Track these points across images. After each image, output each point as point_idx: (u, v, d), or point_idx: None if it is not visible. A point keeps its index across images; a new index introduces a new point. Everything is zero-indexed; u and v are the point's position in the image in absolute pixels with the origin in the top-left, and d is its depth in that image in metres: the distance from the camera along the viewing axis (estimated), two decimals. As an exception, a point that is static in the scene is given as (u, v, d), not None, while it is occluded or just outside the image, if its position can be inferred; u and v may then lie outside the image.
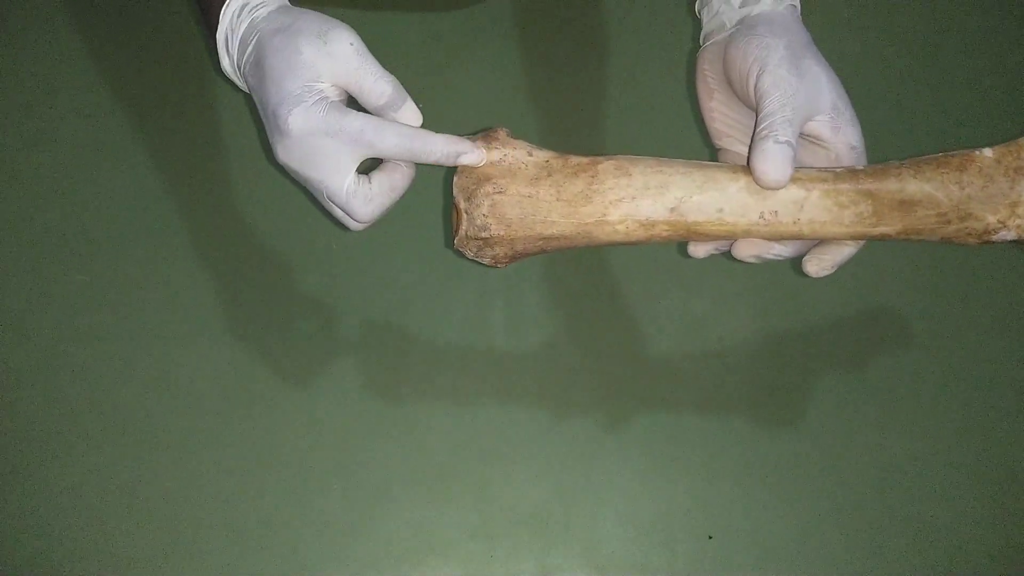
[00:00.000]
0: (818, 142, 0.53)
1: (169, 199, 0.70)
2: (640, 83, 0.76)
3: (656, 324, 0.66)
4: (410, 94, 0.53)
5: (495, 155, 0.52)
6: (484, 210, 0.51)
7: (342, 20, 0.52)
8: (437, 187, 0.70)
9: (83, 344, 0.64)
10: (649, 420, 0.63)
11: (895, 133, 0.74)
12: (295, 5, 0.54)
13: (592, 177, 0.51)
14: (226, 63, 0.55)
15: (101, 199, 0.70)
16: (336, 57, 0.50)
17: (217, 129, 0.73)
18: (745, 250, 0.53)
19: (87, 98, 0.74)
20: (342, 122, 0.49)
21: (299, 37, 0.50)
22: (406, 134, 0.50)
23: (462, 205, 0.52)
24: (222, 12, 0.53)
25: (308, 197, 0.58)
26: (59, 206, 0.69)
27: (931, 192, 0.50)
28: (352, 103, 0.52)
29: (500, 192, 0.51)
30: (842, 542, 0.59)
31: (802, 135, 0.52)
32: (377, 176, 0.53)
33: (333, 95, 0.51)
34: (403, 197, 0.54)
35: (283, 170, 0.53)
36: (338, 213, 0.54)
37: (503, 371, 0.64)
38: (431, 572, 0.58)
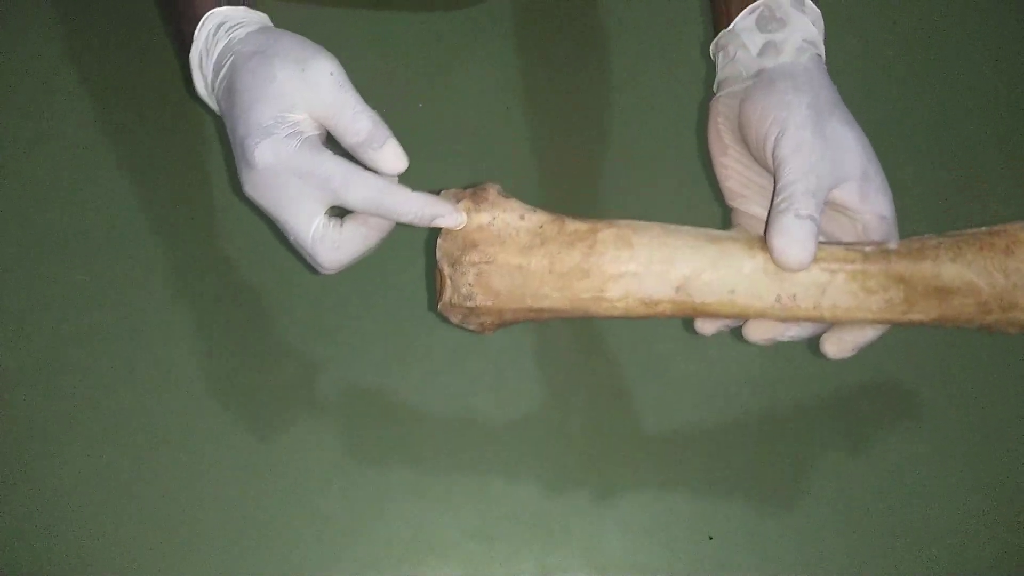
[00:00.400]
0: (844, 211, 0.47)
1: (169, 199, 0.70)
2: (641, 84, 0.76)
3: (657, 325, 0.66)
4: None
5: (484, 217, 0.47)
6: (470, 279, 0.47)
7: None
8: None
9: (83, 344, 0.64)
10: (650, 420, 0.63)
11: (896, 133, 0.74)
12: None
13: (590, 248, 0.46)
14: (200, 85, 0.51)
15: (101, 199, 0.70)
16: (313, 87, 0.46)
17: (218, 129, 0.73)
18: (758, 333, 0.48)
19: (87, 98, 0.74)
20: (312, 163, 0.46)
21: (275, 61, 0.46)
22: (377, 188, 0.46)
23: (446, 271, 0.48)
24: (197, 30, 0.50)
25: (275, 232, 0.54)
26: (59, 206, 0.69)
27: (972, 279, 0.44)
28: (331, 137, 0.49)
29: (488, 262, 0.47)
30: (842, 543, 0.59)
31: (826, 203, 0.46)
32: (349, 223, 0.48)
33: (309, 129, 0.47)
34: (381, 245, 0.51)
35: (250, 203, 0.50)
36: (306, 256, 0.49)
37: (503, 371, 0.64)
38: (431, 572, 0.58)
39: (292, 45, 0.48)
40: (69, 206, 0.69)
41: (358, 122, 0.47)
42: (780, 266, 0.44)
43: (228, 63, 0.48)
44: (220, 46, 0.49)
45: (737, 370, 0.64)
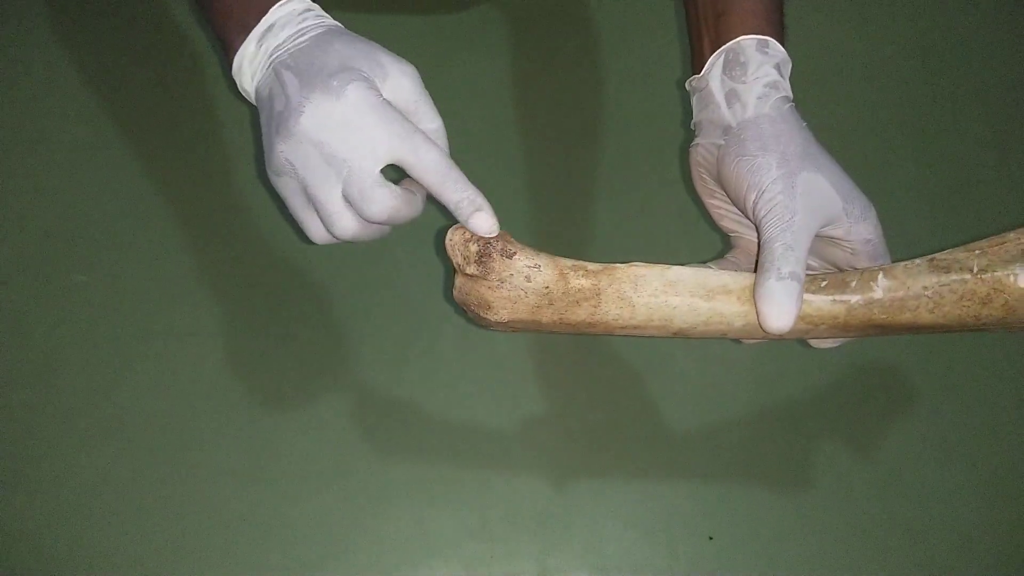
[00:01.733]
0: (833, 241, 0.51)
1: (169, 199, 0.70)
2: (639, 86, 0.76)
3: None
4: None
5: (492, 284, 0.49)
6: (488, 320, 0.50)
7: (345, 22, 0.51)
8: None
9: (83, 344, 0.64)
10: (650, 420, 0.63)
11: (896, 133, 0.74)
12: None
13: (595, 308, 0.49)
14: (251, 49, 0.50)
15: (101, 199, 0.70)
16: (414, 150, 0.48)
17: (217, 129, 0.73)
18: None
19: (87, 98, 0.74)
20: (397, 116, 0.47)
21: (380, 54, 0.49)
22: (447, 161, 0.48)
23: (467, 301, 0.50)
24: (276, 6, 0.50)
25: (280, 204, 0.53)
26: (59, 206, 0.69)
27: (945, 324, 0.48)
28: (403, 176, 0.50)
29: (503, 321, 0.50)
30: (843, 543, 0.59)
31: (817, 237, 0.50)
32: (400, 186, 0.50)
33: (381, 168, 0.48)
34: (399, 228, 0.52)
35: (272, 164, 0.49)
36: (332, 210, 0.49)
37: (503, 370, 0.64)
38: (431, 572, 0.58)
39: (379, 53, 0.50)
40: (69, 206, 0.69)
41: (458, 192, 0.48)
42: (766, 330, 0.47)
43: (311, 34, 0.49)
44: (310, 22, 0.50)
45: (738, 370, 0.64)
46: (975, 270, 0.47)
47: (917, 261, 0.48)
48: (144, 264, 0.67)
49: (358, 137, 0.47)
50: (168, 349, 0.64)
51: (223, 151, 0.72)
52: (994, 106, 0.76)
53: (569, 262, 0.49)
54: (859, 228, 0.50)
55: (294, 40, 0.50)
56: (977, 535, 0.59)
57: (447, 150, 0.51)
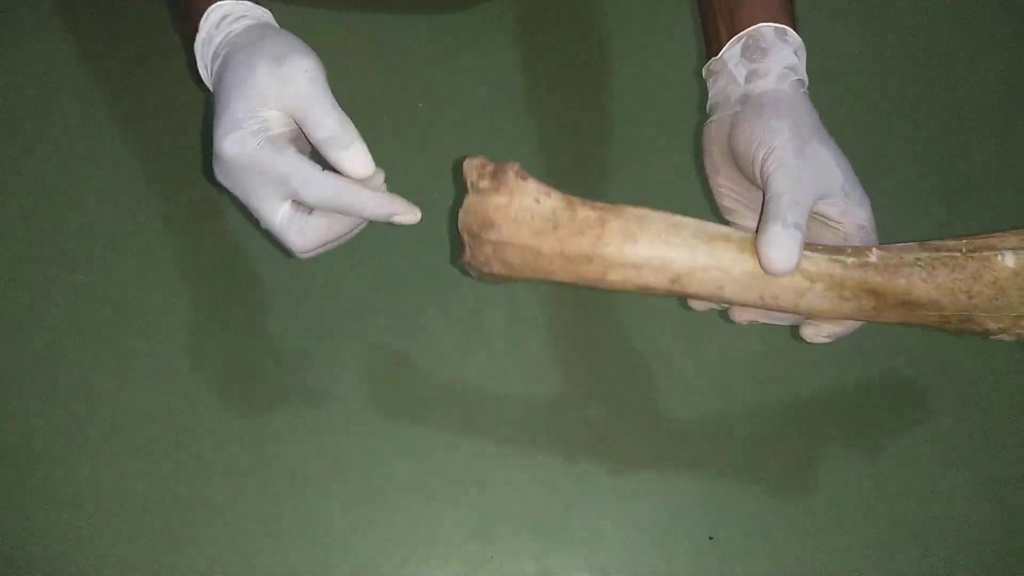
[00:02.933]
0: (827, 222, 0.52)
1: (169, 199, 0.70)
2: (640, 84, 0.76)
3: (658, 324, 0.66)
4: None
5: (502, 199, 0.50)
6: (487, 251, 0.51)
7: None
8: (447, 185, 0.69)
9: (83, 344, 0.64)
10: (650, 421, 0.63)
11: (896, 133, 0.74)
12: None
13: (597, 238, 0.49)
14: (203, 73, 0.54)
15: (100, 199, 0.70)
16: (286, 82, 0.48)
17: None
18: (742, 316, 0.53)
19: (87, 98, 0.74)
20: (273, 161, 0.48)
21: (256, 58, 0.49)
22: (334, 188, 0.49)
23: (466, 239, 0.52)
24: (202, 21, 0.52)
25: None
26: (59, 206, 0.69)
27: (938, 298, 0.48)
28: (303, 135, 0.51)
29: (504, 241, 0.50)
30: (843, 543, 0.59)
31: (812, 214, 0.51)
32: (316, 214, 0.51)
33: (278, 126, 0.49)
34: (353, 237, 0.53)
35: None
36: (275, 240, 0.52)
37: (503, 371, 0.64)
38: (431, 572, 0.58)
39: (276, 42, 0.50)
40: (69, 206, 0.69)
41: (324, 118, 0.49)
42: (767, 272, 0.48)
43: (223, 54, 0.51)
44: (219, 38, 0.52)
45: (738, 370, 0.64)
46: (964, 250, 0.49)
47: (909, 243, 0.50)
48: (144, 264, 0.67)
49: (251, 189, 0.49)
50: (168, 349, 0.64)
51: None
52: (994, 106, 0.76)
53: (579, 198, 0.50)
54: (856, 212, 0.51)
55: (216, 65, 0.52)
56: (979, 536, 0.59)
57: (351, 140, 0.50)
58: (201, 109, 0.74)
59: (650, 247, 0.49)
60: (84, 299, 0.66)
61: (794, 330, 0.54)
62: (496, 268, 0.51)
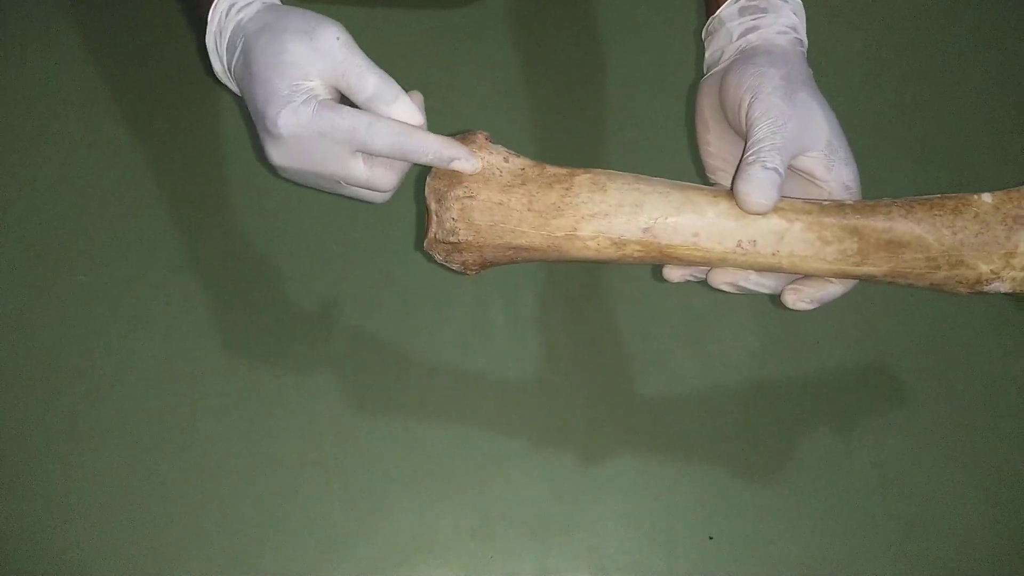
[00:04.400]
0: (812, 179, 0.50)
1: (169, 199, 0.70)
2: (638, 81, 0.76)
3: (657, 324, 0.66)
4: (409, 88, 0.52)
5: (473, 148, 0.50)
6: (454, 214, 0.50)
7: (341, 17, 0.51)
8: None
9: (83, 344, 0.64)
10: (649, 421, 0.63)
11: (895, 132, 0.74)
12: (285, 2, 0.52)
13: (566, 189, 0.49)
14: (217, 66, 0.54)
15: (101, 199, 0.70)
16: (323, 53, 0.49)
17: (217, 129, 0.73)
18: (720, 277, 0.51)
19: (87, 98, 0.74)
20: (333, 120, 0.48)
21: (285, 35, 0.49)
22: (399, 132, 0.49)
23: (432, 207, 0.51)
24: (210, 14, 0.52)
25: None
26: (59, 206, 0.69)
27: (921, 234, 0.47)
28: (346, 100, 0.51)
29: (471, 197, 0.50)
30: (843, 543, 0.59)
31: (796, 170, 0.50)
32: (378, 167, 0.51)
33: (323, 93, 0.49)
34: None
35: (275, 171, 0.52)
36: (360, 193, 0.52)
37: (503, 371, 0.64)
38: (431, 572, 0.58)
39: (298, 17, 0.50)
40: (70, 205, 0.69)
41: (365, 79, 0.49)
42: (744, 209, 0.47)
43: (241, 43, 0.51)
44: (231, 27, 0.52)
45: (738, 370, 0.64)
46: (938, 196, 0.48)
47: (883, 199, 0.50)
48: (144, 264, 0.67)
49: (320, 157, 0.49)
50: (168, 349, 0.64)
51: (224, 151, 0.72)
52: (994, 106, 0.76)
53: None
54: (842, 170, 0.50)
55: (235, 55, 0.52)
56: (977, 534, 0.59)
57: (395, 94, 0.50)
58: (201, 108, 0.74)
59: (620, 194, 0.49)
60: (84, 299, 0.66)
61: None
62: (462, 234, 0.50)
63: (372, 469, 0.61)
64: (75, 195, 0.70)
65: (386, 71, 0.50)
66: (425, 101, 0.52)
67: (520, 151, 0.52)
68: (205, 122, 0.73)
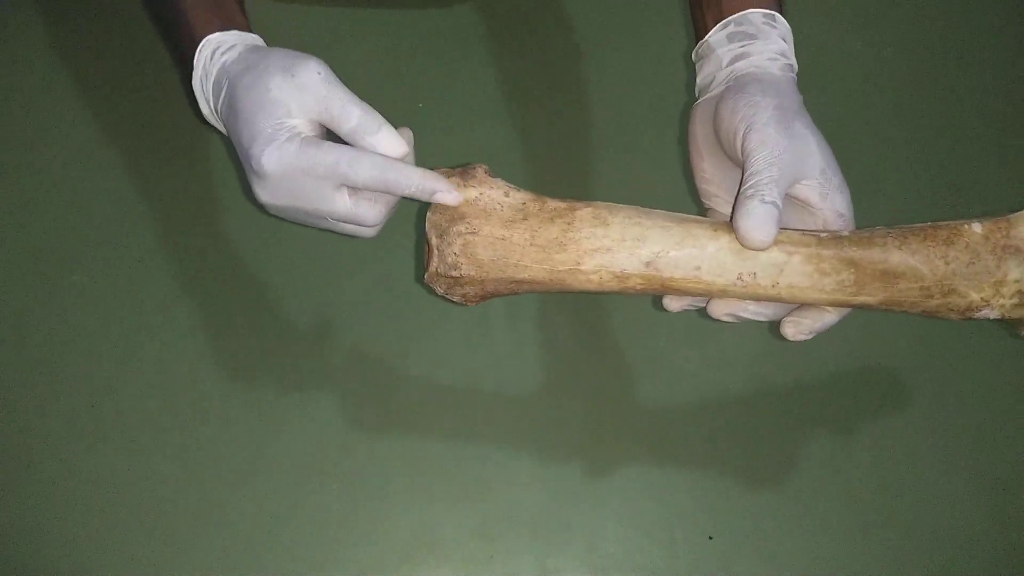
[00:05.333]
0: (806, 207, 0.51)
1: (168, 199, 0.70)
2: (636, 82, 0.76)
3: (656, 324, 0.66)
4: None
5: (472, 193, 0.50)
6: (456, 249, 0.50)
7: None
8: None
9: (82, 344, 0.64)
10: (650, 420, 0.63)
11: (895, 132, 0.74)
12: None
13: (568, 224, 0.50)
14: (205, 109, 0.54)
15: (101, 199, 0.70)
16: (304, 89, 0.49)
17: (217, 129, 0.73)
18: (720, 309, 0.52)
19: (85, 99, 0.74)
20: (316, 156, 0.48)
21: (267, 74, 0.49)
22: (381, 165, 0.49)
23: (434, 242, 0.50)
24: (195, 57, 0.53)
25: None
26: (59, 206, 0.69)
27: (915, 265, 0.49)
28: (332, 136, 0.51)
29: (473, 233, 0.50)
30: (842, 542, 0.59)
31: (791, 198, 0.51)
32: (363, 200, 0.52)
33: (306, 129, 0.50)
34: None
35: (264, 209, 0.52)
36: (347, 228, 0.52)
37: (503, 371, 0.64)
38: (431, 572, 0.58)
39: (280, 56, 0.50)
40: (69, 206, 0.69)
41: (347, 111, 0.49)
42: (744, 245, 0.48)
43: (226, 84, 0.51)
44: (216, 70, 0.52)
45: (738, 370, 0.65)
46: (930, 224, 0.50)
47: (877, 227, 0.50)
48: (143, 264, 0.67)
49: (305, 194, 0.49)
50: (167, 349, 0.64)
51: (221, 151, 0.72)
52: (994, 106, 0.76)
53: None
54: (835, 197, 0.50)
55: (220, 97, 0.52)
56: (978, 535, 0.59)
57: (378, 125, 0.50)
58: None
59: (622, 228, 0.49)
60: (84, 299, 0.66)
61: (778, 333, 0.53)
62: (464, 269, 0.50)
63: (372, 469, 0.61)
64: (75, 197, 0.70)
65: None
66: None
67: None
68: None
